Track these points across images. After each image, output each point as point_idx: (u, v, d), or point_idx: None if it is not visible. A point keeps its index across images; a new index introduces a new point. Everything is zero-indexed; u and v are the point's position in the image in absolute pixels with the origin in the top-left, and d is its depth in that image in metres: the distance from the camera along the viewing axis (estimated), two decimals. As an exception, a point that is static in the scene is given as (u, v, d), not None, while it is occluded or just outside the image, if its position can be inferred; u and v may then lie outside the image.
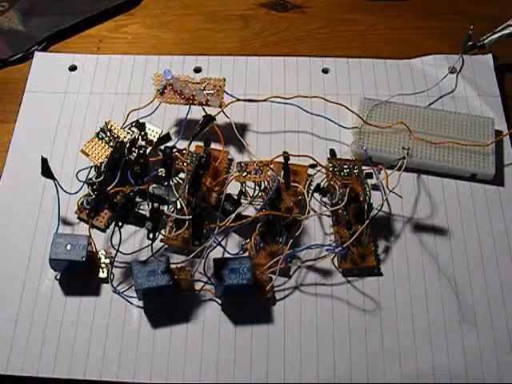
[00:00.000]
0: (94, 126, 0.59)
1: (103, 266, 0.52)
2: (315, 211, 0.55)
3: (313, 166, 0.57)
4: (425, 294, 0.52)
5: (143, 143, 0.57)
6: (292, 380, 0.48)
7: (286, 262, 0.52)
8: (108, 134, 0.57)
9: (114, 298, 0.51)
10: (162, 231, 0.52)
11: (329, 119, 0.60)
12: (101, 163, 0.55)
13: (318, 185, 0.55)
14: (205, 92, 0.58)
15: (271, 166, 0.54)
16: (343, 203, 0.53)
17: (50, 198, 0.55)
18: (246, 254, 0.53)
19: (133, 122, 0.58)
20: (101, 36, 0.69)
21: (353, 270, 0.53)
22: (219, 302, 0.51)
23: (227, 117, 0.59)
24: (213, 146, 0.57)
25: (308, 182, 0.56)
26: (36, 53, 0.66)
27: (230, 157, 0.59)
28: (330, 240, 0.54)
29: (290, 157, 0.54)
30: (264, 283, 0.51)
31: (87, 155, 0.56)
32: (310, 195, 0.55)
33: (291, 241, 0.52)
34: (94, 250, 0.53)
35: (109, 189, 0.52)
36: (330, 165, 0.56)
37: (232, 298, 0.51)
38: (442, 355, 0.49)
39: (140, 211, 0.52)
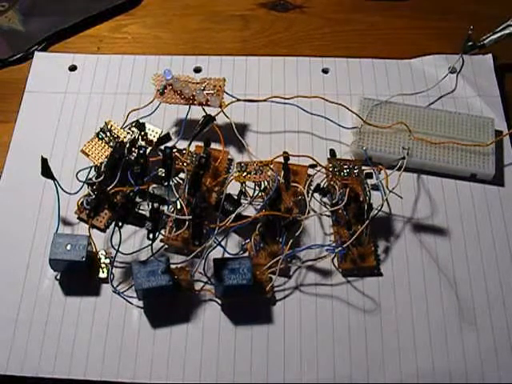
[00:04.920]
0: (93, 126, 0.59)
1: (103, 266, 0.52)
2: (315, 211, 0.55)
3: (313, 166, 0.57)
4: (425, 294, 0.52)
5: (143, 143, 0.57)
6: (292, 380, 0.48)
7: (285, 262, 0.52)
8: (108, 133, 0.57)
9: (113, 298, 0.51)
10: (162, 231, 0.52)
11: (329, 119, 0.60)
12: (101, 163, 0.55)
13: (318, 185, 0.55)
14: (205, 92, 0.58)
15: (271, 166, 0.54)
16: (343, 203, 0.53)
17: (50, 198, 0.55)
18: (246, 254, 0.53)
19: (133, 122, 0.58)
20: (101, 36, 0.69)
21: (353, 269, 0.53)
22: (219, 302, 0.51)
23: (227, 117, 0.59)
24: (213, 146, 0.57)
25: (308, 182, 0.56)
26: (36, 53, 0.66)
27: (229, 157, 0.59)
28: (329, 240, 0.54)
29: (290, 157, 0.54)
30: (264, 283, 0.51)
31: (87, 155, 0.56)
32: (309, 195, 0.55)
33: (291, 241, 0.51)
34: (94, 250, 0.53)
35: (109, 189, 0.52)
36: (330, 165, 0.56)
37: (232, 298, 0.51)
38: (441, 355, 0.49)
39: (140, 211, 0.52)
